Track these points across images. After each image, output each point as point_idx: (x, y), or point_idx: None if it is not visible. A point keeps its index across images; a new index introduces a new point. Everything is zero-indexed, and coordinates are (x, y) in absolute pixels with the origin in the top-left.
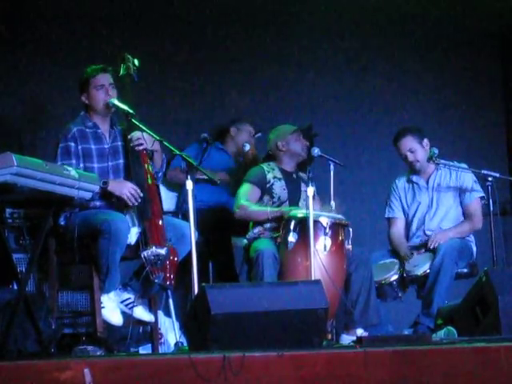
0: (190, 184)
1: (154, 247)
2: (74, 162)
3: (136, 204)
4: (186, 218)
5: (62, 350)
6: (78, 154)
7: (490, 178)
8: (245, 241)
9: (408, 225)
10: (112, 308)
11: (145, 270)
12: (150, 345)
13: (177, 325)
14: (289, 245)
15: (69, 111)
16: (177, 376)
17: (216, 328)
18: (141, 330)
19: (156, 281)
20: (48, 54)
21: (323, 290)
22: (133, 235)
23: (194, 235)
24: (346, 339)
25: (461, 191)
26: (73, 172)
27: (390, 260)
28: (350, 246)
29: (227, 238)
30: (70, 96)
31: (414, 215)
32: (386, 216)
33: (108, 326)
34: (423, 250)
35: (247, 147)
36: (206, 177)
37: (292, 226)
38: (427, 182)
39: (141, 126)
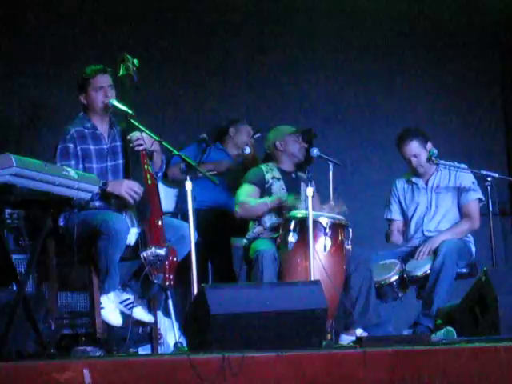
0: (189, 185)
1: (153, 248)
2: (72, 162)
3: (136, 201)
4: (185, 218)
5: (62, 351)
6: (76, 154)
7: (489, 179)
8: (244, 241)
9: (407, 226)
10: (111, 309)
11: (144, 270)
12: (149, 345)
13: (176, 325)
14: (288, 245)
15: (68, 112)
16: (176, 376)
17: (215, 328)
18: (140, 331)
19: (155, 281)
20: (48, 54)
21: (322, 290)
22: (132, 236)
23: (193, 236)
24: (346, 339)
25: (459, 191)
26: (72, 173)
27: (390, 260)
28: (349, 247)
29: (226, 239)
30: (70, 96)
31: (412, 216)
32: (385, 217)
33: (107, 327)
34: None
35: (247, 150)
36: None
37: (292, 226)
38: (426, 183)
39: (140, 126)
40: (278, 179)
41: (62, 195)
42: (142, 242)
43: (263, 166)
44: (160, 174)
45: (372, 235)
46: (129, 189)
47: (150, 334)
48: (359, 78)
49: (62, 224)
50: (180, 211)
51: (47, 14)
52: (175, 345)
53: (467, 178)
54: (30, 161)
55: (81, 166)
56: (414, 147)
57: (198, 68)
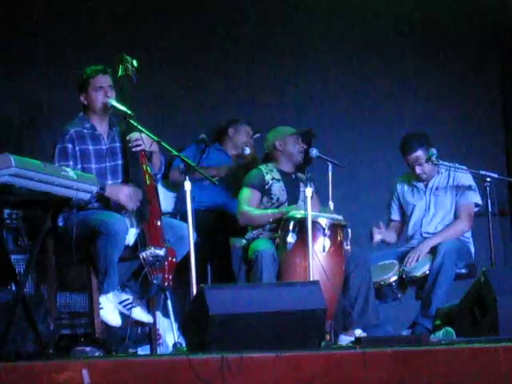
0: (188, 185)
1: (152, 248)
2: (71, 163)
3: (135, 208)
4: (184, 219)
5: (61, 351)
6: (75, 155)
7: (488, 179)
8: (243, 241)
9: (406, 226)
10: (110, 309)
11: (143, 270)
12: (148, 345)
13: (175, 325)
14: (288, 245)
15: (68, 112)
16: (175, 377)
17: (214, 329)
18: (139, 331)
19: (154, 282)
20: (48, 54)
21: (321, 290)
22: (131, 236)
23: (192, 236)
24: (345, 340)
25: (457, 192)
26: (71, 173)
27: (389, 261)
28: (348, 247)
29: (225, 239)
30: (70, 96)
31: (411, 217)
32: (388, 217)
33: (106, 327)
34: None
35: (247, 151)
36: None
37: (291, 227)
38: (426, 185)
39: (139, 126)
40: (278, 180)
41: (61, 195)
42: (141, 242)
43: (263, 167)
44: (159, 176)
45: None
46: (127, 196)
47: (149, 335)
48: (359, 79)
49: (61, 224)
50: (179, 212)
51: (47, 14)
52: (174, 345)
53: (466, 180)
54: (28, 161)
55: (79, 166)
56: (418, 157)
57: (198, 68)
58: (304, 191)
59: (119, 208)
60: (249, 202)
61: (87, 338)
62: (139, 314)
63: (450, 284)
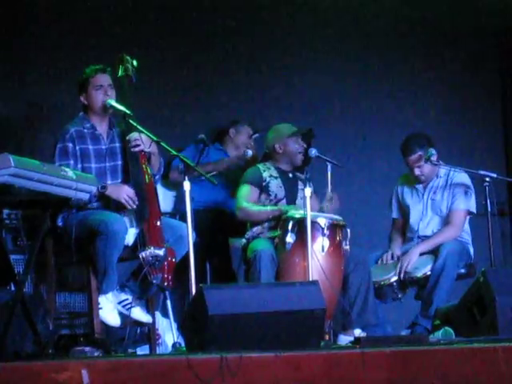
0: (187, 185)
1: (152, 248)
2: (71, 162)
3: (134, 207)
4: (183, 218)
5: (60, 351)
6: (75, 154)
7: (487, 179)
8: (243, 240)
9: (406, 227)
10: (110, 309)
11: (143, 270)
12: (147, 346)
13: (174, 325)
14: (287, 245)
15: (68, 112)
16: (174, 377)
17: (213, 329)
18: (138, 331)
19: (154, 281)
20: (47, 54)
21: (321, 290)
22: (130, 236)
23: (191, 236)
24: (344, 340)
25: (452, 197)
26: (70, 173)
27: (390, 261)
28: (347, 247)
29: (224, 239)
30: (70, 96)
31: (408, 219)
32: (392, 216)
33: (106, 327)
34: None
35: (249, 153)
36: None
37: (290, 227)
38: (424, 188)
39: (138, 126)
40: (276, 177)
41: (61, 195)
42: (141, 242)
43: (260, 165)
44: (158, 177)
45: (370, 236)
46: (127, 195)
47: (148, 335)
48: (358, 78)
49: (60, 224)
50: (178, 212)
51: (47, 14)
52: (173, 345)
53: (462, 186)
54: (28, 161)
55: (79, 165)
56: (417, 159)
57: (198, 68)
58: (302, 189)
59: (119, 208)
60: (247, 198)
61: (86, 338)
62: (138, 314)
63: (451, 285)
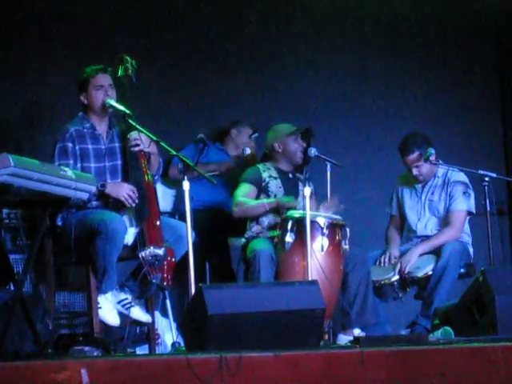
0: (186, 185)
1: (151, 247)
2: (71, 162)
3: (134, 205)
4: (182, 218)
5: (59, 351)
6: (75, 154)
7: (486, 178)
8: (243, 240)
9: (404, 226)
10: (109, 308)
11: (142, 270)
12: (146, 345)
13: (174, 325)
14: (286, 245)
15: (68, 112)
16: (174, 376)
17: (213, 328)
18: (138, 331)
19: (154, 281)
20: (47, 54)
21: (320, 290)
22: (130, 235)
23: (191, 236)
24: (343, 339)
25: (450, 198)
26: (69, 172)
27: (387, 264)
28: (347, 246)
29: (224, 238)
30: (69, 96)
31: (408, 218)
32: (387, 211)
33: (105, 327)
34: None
35: (247, 151)
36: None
37: (289, 226)
38: (423, 188)
39: (137, 126)
40: (275, 178)
41: (60, 195)
42: (141, 241)
43: (260, 166)
44: (157, 177)
45: (369, 235)
46: (127, 193)
47: (148, 334)
48: (358, 79)
49: (59, 224)
50: (178, 211)
51: (47, 14)
52: (173, 345)
53: (460, 186)
54: (27, 161)
55: (79, 165)
56: (415, 159)
57: (198, 68)
58: (302, 190)
59: (118, 207)
60: (244, 195)
61: (86, 337)
62: (138, 313)
63: (453, 285)
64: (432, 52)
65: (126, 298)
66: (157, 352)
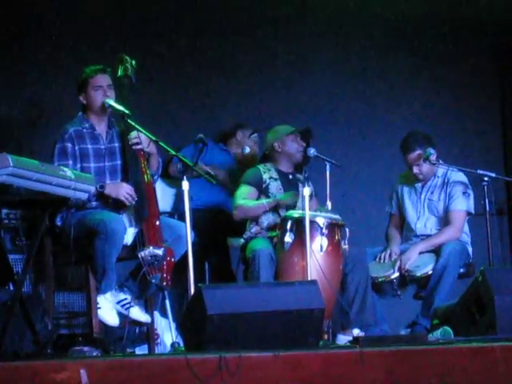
0: (185, 185)
1: (151, 248)
2: (70, 162)
3: (133, 202)
4: (182, 218)
5: (59, 351)
6: (74, 154)
7: (485, 178)
8: (241, 240)
9: (404, 225)
10: (108, 309)
11: (141, 270)
12: (146, 345)
13: (173, 325)
14: (285, 245)
15: (68, 112)
16: (173, 376)
17: (212, 328)
18: (137, 331)
19: (153, 281)
20: (47, 54)
21: (319, 290)
22: (129, 235)
23: (190, 236)
24: (343, 339)
25: (449, 198)
26: (69, 173)
27: (388, 261)
28: (346, 246)
29: (223, 238)
30: (70, 96)
31: (408, 217)
32: (387, 210)
33: (104, 327)
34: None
35: (247, 150)
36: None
37: (288, 226)
38: (422, 187)
39: (137, 126)
40: (276, 179)
41: (59, 195)
42: (140, 241)
43: (260, 167)
44: (156, 177)
45: (369, 235)
46: (126, 193)
47: (147, 334)
48: (357, 78)
49: (59, 224)
50: (177, 211)
51: (47, 14)
52: (172, 345)
53: (459, 186)
54: (26, 161)
55: (78, 165)
56: (416, 157)
57: (198, 68)
58: (302, 191)
59: (117, 207)
60: (245, 198)
61: (85, 337)
62: (137, 313)
63: (453, 285)
64: (432, 52)
65: (126, 298)
66: (156, 352)
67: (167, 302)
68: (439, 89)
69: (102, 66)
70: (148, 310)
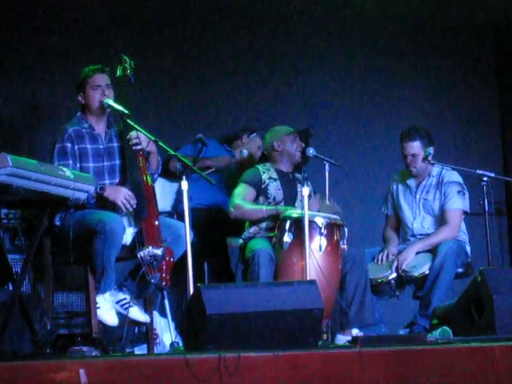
0: (184, 184)
1: (150, 247)
2: (70, 162)
3: (131, 209)
4: (181, 218)
5: (58, 351)
6: (74, 154)
7: (485, 178)
8: (240, 240)
9: (401, 226)
10: (107, 308)
11: (140, 270)
12: (145, 345)
13: (172, 325)
14: (284, 245)
15: (68, 112)
16: (172, 376)
17: (211, 328)
18: (136, 331)
19: (152, 281)
20: (46, 54)
21: (318, 290)
22: (128, 235)
23: (189, 235)
24: (342, 339)
25: (444, 197)
26: (68, 172)
27: (385, 262)
28: (345, 246)
29: (222, 238)
30: (68, 97)
31: (404, 217)
32: (382, 211)
33: (103, 327)
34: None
35: (245, 153)
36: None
37: (287, 226)
38: (417, 187)
39: (136, 126)
40: (275, 180)
41: (58, 195)
42: (139, 241)
43: (260, 166)
44: (156, 176)
45: (368, 235)
46: (125, 198)
47: (146, 334)
48: (356, 78)
49: (58, 223)
50: (176, 211)
51: (47, 14)
52: (171, 345)
53: (454, 185)
54: (25, 161)
55: (78, 165)
56: (415, 147)
57: (197, 68)
58: (301, 192)
59: (116, 207)
60: (243, 197)
61: (84, 337)
62: (136, 313)
63: (450, 284)
64: (430, 52)
65: (125, 298)
66: (155, 352)
67: (166, 302)
68: (439, 89)
69: (100, 65)
70: (147, 309)
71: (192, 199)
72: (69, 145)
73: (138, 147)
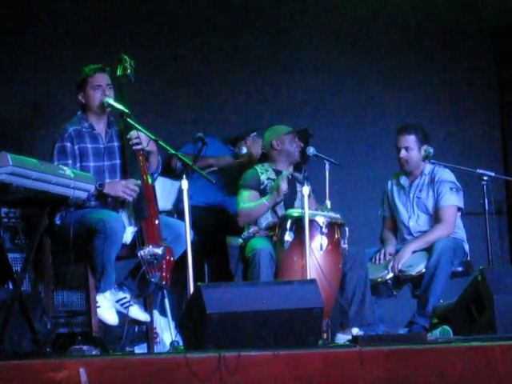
0: (185, 184)
1: (150, 246)
2: (70, 161)
3: (134, 197)
4: (181, 217)
5: (58, 350)
6: (74, 153)
7: (485, 177)
8: (240, 240)
9: (398, 226)
10: (107, 307)
11: (141, 269)
12: (145, 344)
13: (172, 324)
14: (285, 244)
15: (68, 112)
16: (172, 375)
17: (211, 327)
18: (136, 330)
19: (152, 280)
20: (46, 54)
21: (319, 289)
22: (128, 234)
23: (189, 235)
24: (342, 338)
25: (438, 194)
26: (68, 171)
27: (383, 261)
28: (346, 246)
29: (222, 237)
30: (68, 96)
31: (400, 217)
32: (380, 214)
33: (103, 326)
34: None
35: (244, 150)
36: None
37: (288, 225)
38: (410, 186)
39: (136, 125)
40: (273, 180)
41: (58, 194)
42: (139, 240)
43: (258, 167)
44: (156, 175)
45: (368, 234)
46: (125, 188)
47: (146, 333)
48: (356, 78)
49: (58, 223)
50: (176, 210)
51: (47, 14)
52: (171, 344)
53: (447, 183)
54: (26, 160)
55: (78, 164)
56: (410, 140)
57: (197, 68)
58: (301, 191)
59: (117, 206)
60: (247, 202)
61: (84, 336)
62: (136, 312)
63: (446, 282)
64: (431, 52)
65: (125, 297)
66: (155, 351)
67: (166, 301)
68: (439, 89)
69: (101, 65)
70: (147, 308)
71: (192, 198)
72: (68, 144)
73: (139, 147)
